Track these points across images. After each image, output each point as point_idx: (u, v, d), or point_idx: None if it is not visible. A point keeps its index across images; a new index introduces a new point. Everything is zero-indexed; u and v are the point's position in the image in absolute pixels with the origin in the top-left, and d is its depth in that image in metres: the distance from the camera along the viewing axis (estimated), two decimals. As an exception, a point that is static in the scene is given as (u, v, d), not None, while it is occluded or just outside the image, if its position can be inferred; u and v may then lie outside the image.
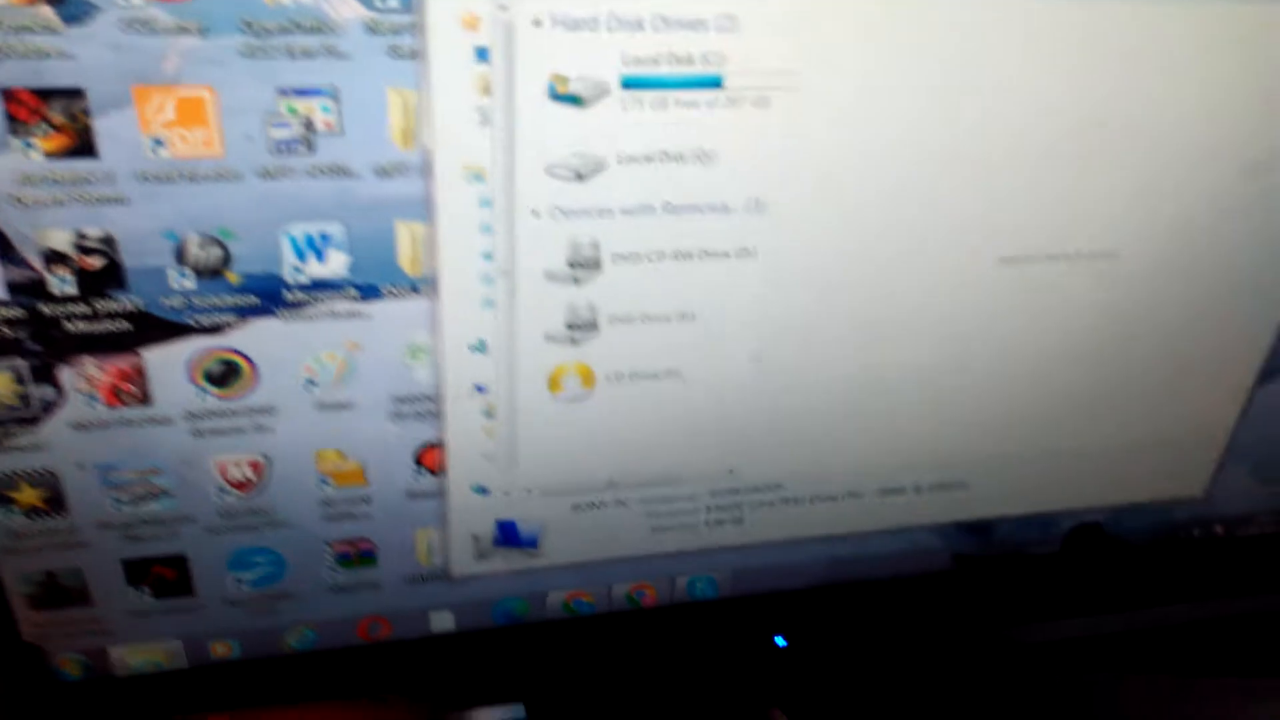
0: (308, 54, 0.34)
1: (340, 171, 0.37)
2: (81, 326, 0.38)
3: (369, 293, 0.40)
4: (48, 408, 0.39)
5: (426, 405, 0.43)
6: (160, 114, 0.34)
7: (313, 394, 0.42)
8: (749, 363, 0.46)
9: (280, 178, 0.36)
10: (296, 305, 0.39)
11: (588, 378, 0.44)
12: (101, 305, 0.37)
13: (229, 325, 0.39)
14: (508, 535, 0.48)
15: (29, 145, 0.34)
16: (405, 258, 0.39)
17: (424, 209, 0.38)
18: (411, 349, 0.42)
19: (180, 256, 0.37)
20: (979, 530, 0.55)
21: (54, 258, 0.36)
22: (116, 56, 0.33)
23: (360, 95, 0.36)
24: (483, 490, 0.46)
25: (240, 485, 0.43)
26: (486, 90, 0.36)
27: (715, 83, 0.38)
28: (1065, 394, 0.51)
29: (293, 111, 0.35)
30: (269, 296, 0.39)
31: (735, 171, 0.40)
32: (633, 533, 0.50)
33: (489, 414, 0.44)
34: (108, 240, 0.36)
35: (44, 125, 0.33)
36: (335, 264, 0.39)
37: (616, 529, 0.49)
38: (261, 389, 0.41)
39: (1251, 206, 0.47)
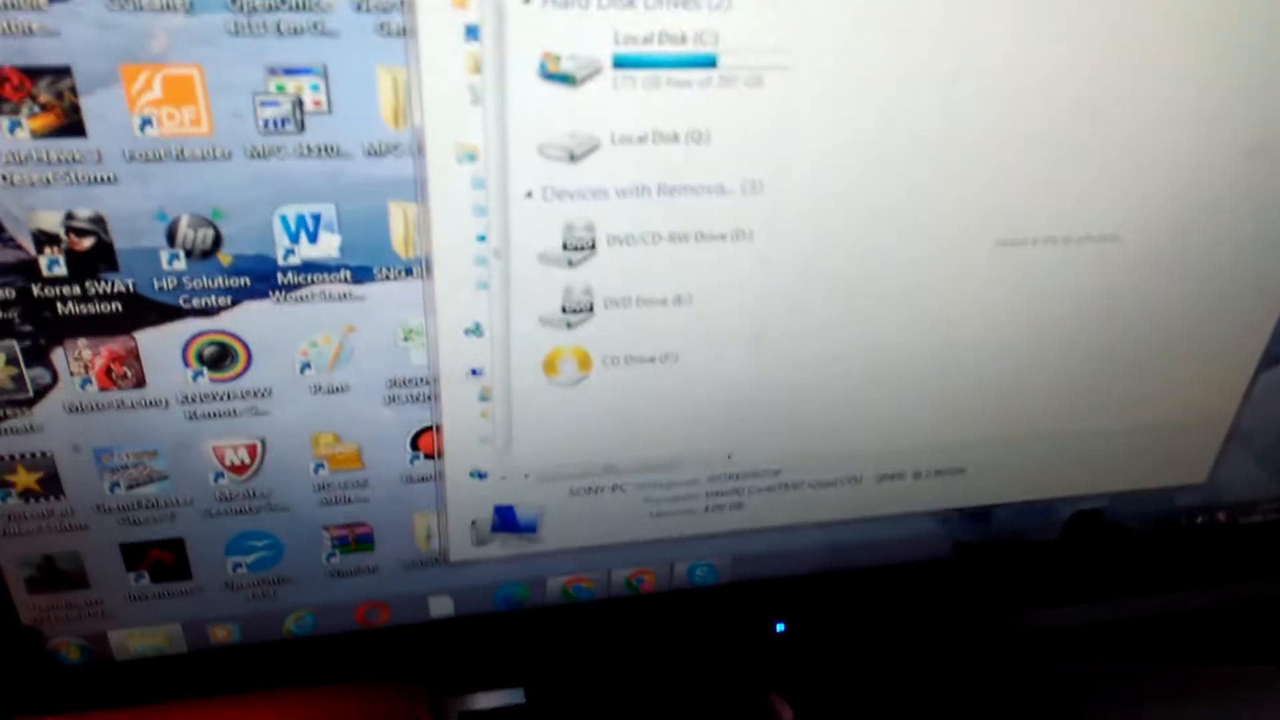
0: (296, 32, 0.34)
1: (331, 151, 0.37)
2: (74, 308, 0.38)
3: (362, 275, 0.40)
4: (42, 390, 0.39)
5: (422, 389, 0.43)
6: (148, 92, 0.34)
7: (308, 377, 0.41)
8: (746, 346, 0.45)
9: (270, 157, 0.36)
10: (289, 287, 0.39)
11: (584, 361, 0.44)
12: (93, 287, 0.37)
13: (222, 307, 0.39)
14: (506, 520, 0.48)
15: (17, 124, 0.34)
16: (398, 239, 0.39)
17: (416, 190, 0.38)
18: (406, 332, 0.41)
19: (171, 237, 0.37)
20: (978, 516, 0.55)
21: (44, 239, 0.36)
22: (103, 34, 0.33)
23: (349, 74, 0.35)
24: (480, 475, 0.46)
25: (236, 469, 0.43)
26: (477, 69, 0.36)
27: (709, 62, 0.38)
28: (1065, 379, 0.50)
29: (281, 90, 0.35)
30: (261, 278, 0.39)
31: (730, 152, 0.40)
32: (631, 518, 0.49)
33: (485, 398, 0.44)
34: (98, 221, 0.36)
35: (31, 104, 0.33)
36: (327, 245, 0.38)
37: (615, 514, 0.49)
38: (256, 372, 0.41)
39: (1256, 188, 0.47)
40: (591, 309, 0.42)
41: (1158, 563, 0.60)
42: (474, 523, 0.47)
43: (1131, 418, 0.53)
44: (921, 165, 0.42)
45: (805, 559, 0.54)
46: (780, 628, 0.56)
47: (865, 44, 0.39)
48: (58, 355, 0.39)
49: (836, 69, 0.39)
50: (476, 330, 0.42)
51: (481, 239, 0.40)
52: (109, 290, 0.38)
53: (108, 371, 0.39)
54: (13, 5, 0.32)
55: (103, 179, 0.35)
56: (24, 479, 0.41)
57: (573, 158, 0.39)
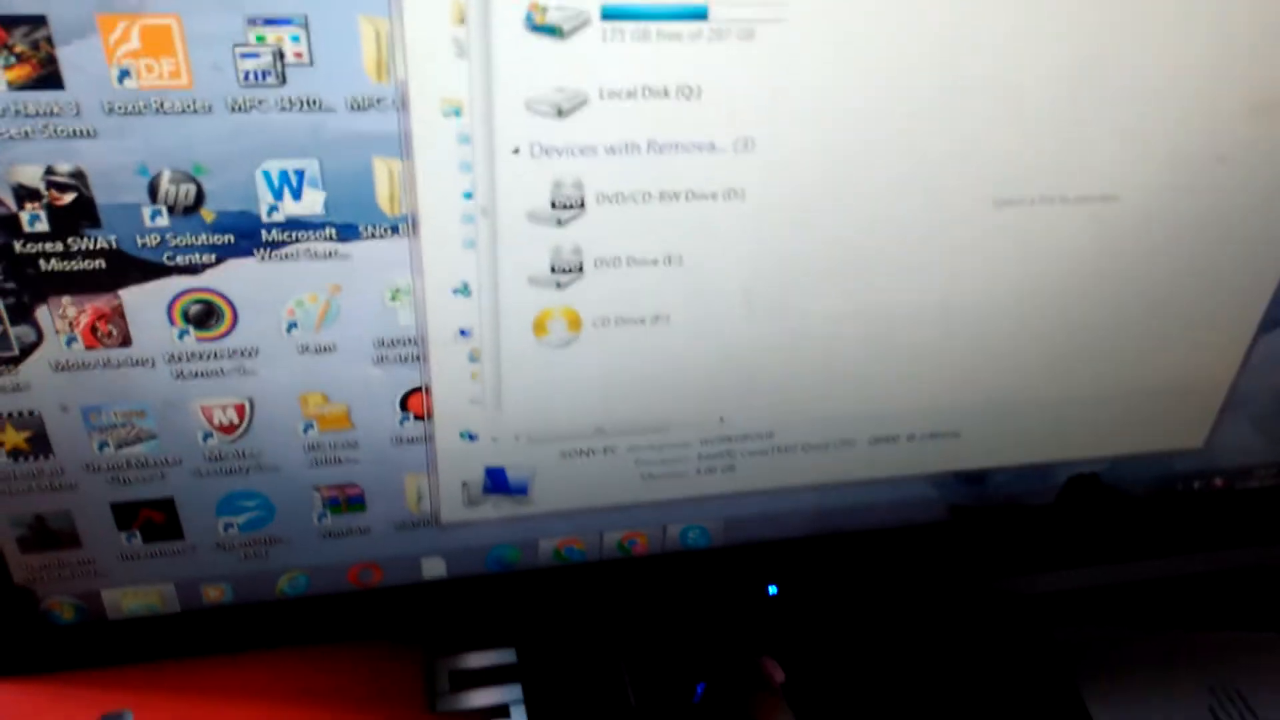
0: (276, -19, 0.34)
1: (313, 105, 0.36)
2: (57, 265, 0.37)
3: (347, 232, 0.39)
4: (27, 348, 0.39)
5: (410, 349, 0.43)
6: (126, 43, 0.33)
7: (295, 336, 0.41)
8: (738, 308, 0.45)
9: (252, 111, 0.36)
10: (274, 245, 0.39)
11: (574, 322, 0.44)
12: (76, 243, 0.37)
13: (206, 265, 0.39)
14: (497, 482, 0.48)
15: (-7, 76, 0.33)
16: (383, 196, 0.39)
17: (400, 145, 0.38)
18: (393, 291, 0.41)
19: (153, 193, 0.37)
20: (974, 480, 0.55)
21: (25, 193, 0.36)
22: (78, -18, 0.32)
23: (331, 24, 0.35)
24: (470, 436, 0.46)
25: (225, 429, 0.43)
26: (461, 19, 0.35)
27: (700, 14, 0.37)
28: (1061, 341, 0.50)
29: (261, 41, 0.34)
30: (246, 235, 0.38)
31: (721, 108, 0.39)
32: (623, 481, 0.49)
33: (474, 359, 0.44)
34: (78, 175, 0.36)
35: (7, 54, 0.33)
36: (312, 202, 0.38)
37: (606, 477, 0.49)
38: (242, 331, 0.41)
39: (1257, 148, 0.46)
40: (581, 269, 0.42)
41: (1154, 528, 0.59)
42: (465, 484, 0.47)
43: (1129, 381, 0.52)
44: (917, 122, 0.42)
45: (798, 522, 0.54)
46: (773, 591, 0.56)
47: (859, -3, 0.38)
48: (42, 313, 0.38)
49: (830, 23, 0.39)
50: (465, 290, 0.41)
51: (468, 196, 0.39)
52: (92, 247, 0.37)
53: (93, 330, 0.39)
54: (-15, -48, 0.31)
55: (82, 132, 0.35)
56: (12, 438, 0.41)
57: (561, 113, 0.38)
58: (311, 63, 0.35)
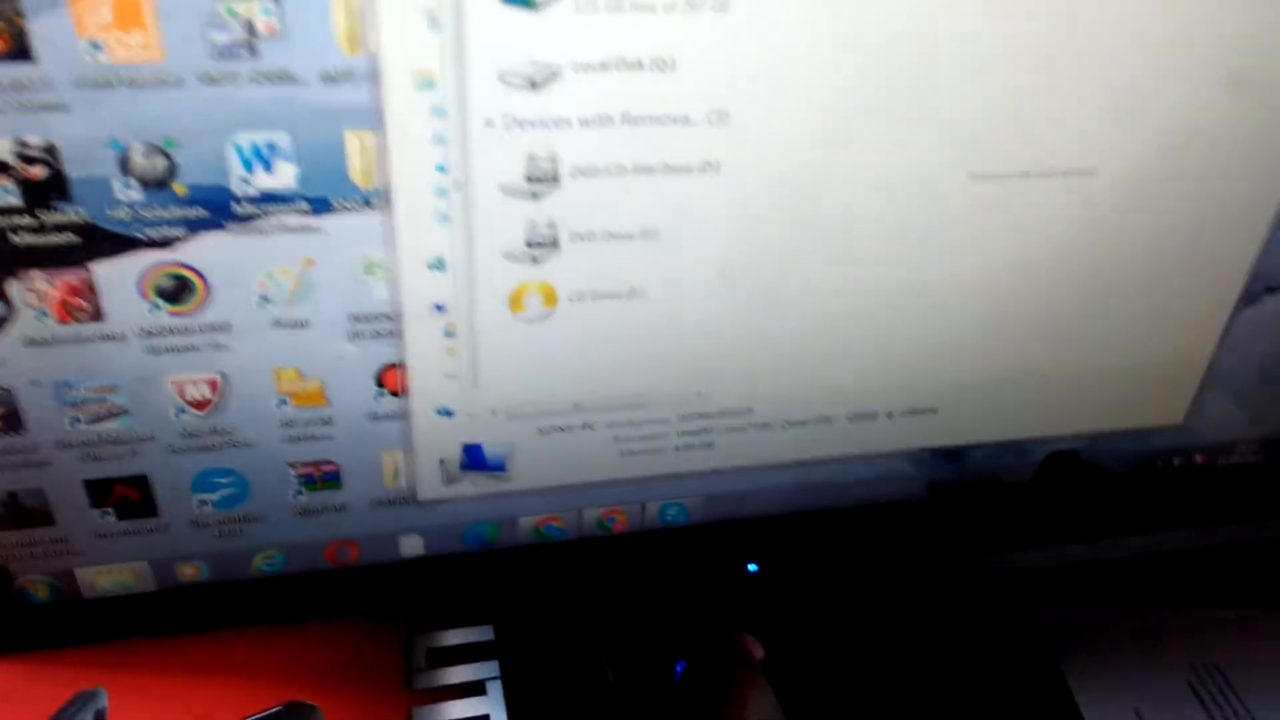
0: (244, -50, 0.33)
1: (284, 77, 0.36)
2: (28, 239, 0.37)
3: (320, 206, 0.39)
4: (-3, 323, 0.39)
5: (385, 324, 0.43)
6: (96, 15, 0.33)
7: (268, 311, 0.41)
8: (715, 283, 0.45)
9: (223, 83, 0.35)
10: (246, 218, 0.39)
11: (550, 297, 0.43)
12: (47, 216, 0.37)
13: (178, 239, 0.38)
14: (474, 459, 0.48)
15: (-41, 47, 0.33)
16: (356, 169, 0.38)
17: (373, 117, 0.37)
18: (367, 265, 0.41)
19: (125, 166, 0.36)
20: (952, 457, 0.55)
21: (-6, 166, 0.35)
22: (46, -48, 0.32)
23: (301, -5, 0.34)
24: (447, 413, 0.46)
25: (199, 404, 0.43)
26: (433, -10, 0.35)
27: (673, -15, 0.37)
28: (1039, 317, 0.50)
29: (232, 14, 0.34)
30: (217, 209, 0.38)
31: (696, 81, 0.39)
32: (601, 457, 0.49)
33: (450, 334, 0.43)
34: (50, 149, 0.35)
35: (-27, 25, 0.33)
36: (284, 175, 0.38)
37: (585, 453, 0.49)
38: (215, 305, 0.40)
39: (1235, 121, 0.46)
40: (556, 243, 0.42)
41: (1134, 505, 0.60)
42: (442, 461, 0.47)
43: (1107, 357, 0.52)
44: (892, 95, 0.42)
45: (778, 499, 0.54)
46: (753, 568, 0.56)
47: (833, -32, 0.38)
48: (13, 287, 0.38)
49: (805, -5, 0.38)
50: (439, 264, 0.41)
51: (441, 169, 0.39)
52: (63, 220, 0.37)
53: (64, 304, 0.39)
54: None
55: (53, 105, 0.35)
56: (-16, 414, 0.41)
57: (534, 85, 0.38)
58: (283, 35, 0.35)
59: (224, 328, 0.41)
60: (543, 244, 0.42)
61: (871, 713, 0.51)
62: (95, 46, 0.34)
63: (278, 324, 0.41)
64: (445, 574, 0.51)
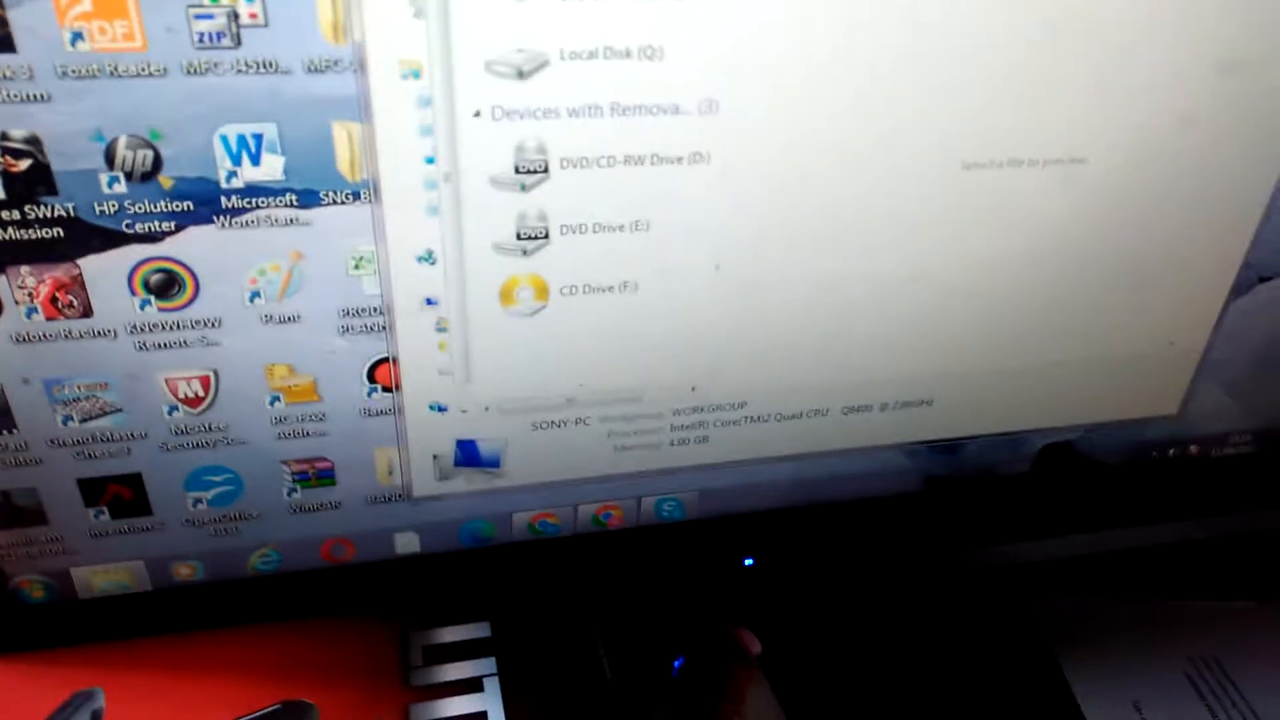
0: (226, -62, 0.33)
1: (269, 67, 0.36)
2: (14, 233, 0.37)
3: (308, 199, 0.39)
4: (-14, 320, 0.39)
5: (376, 319, 0.42)
6: (77, 4, 0.33)
7: (258, 306, 0.41)
8: (707, 275, 0.45)
9: (207, 74, 0.35)
10: (234, 211, 0.38)
11: (541, 290, 0.43)
12: (33, 211, 0.37)
13: (166, 233, 0.38)
14: (468, 455, 0.47)
15: (-60, 38, 0.33)
16: (343, 161, 0.38)
17: (360, 108, 0.37)
18: (356, 259, 0.41)
19: (110, 159, 0.36)
20: (948, 450, 0.54)
21: (-22, 160, 0.35)
22: (26, -59, 0.32)
23: (284, -17, 0.34)
24: (440, 408, 0.46)
25: (190, 401, 0.43)
26: (417, -22, 0.35)
27: (660, -27, 0.37)
28: (1032, 308, 0.50)
29: (215, 2, 0.34)
30: (205, 202, 0.38)
31: (686, 70, 0.39)
32: (595, 452, 0.49)
33: (441, 328, 0.43)
34: (33, 141, 0.35)
35: (-47, 15, 0.32)
36: (271, 167, 0.38)
37: (579, 448, 0.49)
38: (205, 301, 0.40)
39: (1226, 108, 0.46)
40: (547, 235, 0.42)
41: (1130, 496, 0.59)
42: (436, 457, 0.47)
43: (1100, 348, 0.52)
44: (883, 84, 0.41)
45: (773, 493, 0.53)
46: (749, 563, 0.56)
47: (821, -46, 0.38)
48: (0, 283, 0.38)
49: (793, -18, 0.38)
50: (429, 258, 0.41)
51: (430, 161, 0.39)
52: (49, 215, 0.37)
53: (53, 300, 0.39)
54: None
55: (36, 97, 0.34)
56: (-28, 412, 0.41)
57: (521, 75, 0.38)
58: (266, 24, 0.35)
59: (214, 323, 0.41)
60: (533, 236, 0.42)
61: (869, 706, 0.51)
62: (77, 36, 0.34)
63: (268, 319, 0.41)
64: (441, 571, 0.51)
